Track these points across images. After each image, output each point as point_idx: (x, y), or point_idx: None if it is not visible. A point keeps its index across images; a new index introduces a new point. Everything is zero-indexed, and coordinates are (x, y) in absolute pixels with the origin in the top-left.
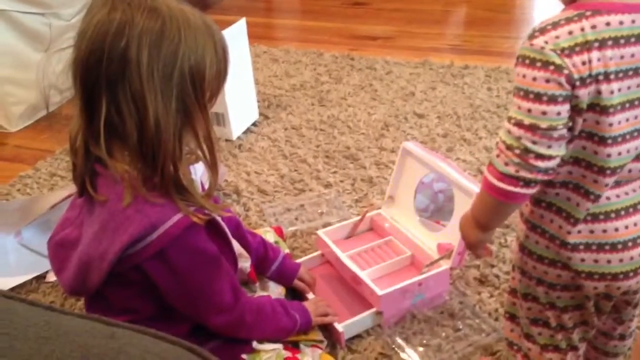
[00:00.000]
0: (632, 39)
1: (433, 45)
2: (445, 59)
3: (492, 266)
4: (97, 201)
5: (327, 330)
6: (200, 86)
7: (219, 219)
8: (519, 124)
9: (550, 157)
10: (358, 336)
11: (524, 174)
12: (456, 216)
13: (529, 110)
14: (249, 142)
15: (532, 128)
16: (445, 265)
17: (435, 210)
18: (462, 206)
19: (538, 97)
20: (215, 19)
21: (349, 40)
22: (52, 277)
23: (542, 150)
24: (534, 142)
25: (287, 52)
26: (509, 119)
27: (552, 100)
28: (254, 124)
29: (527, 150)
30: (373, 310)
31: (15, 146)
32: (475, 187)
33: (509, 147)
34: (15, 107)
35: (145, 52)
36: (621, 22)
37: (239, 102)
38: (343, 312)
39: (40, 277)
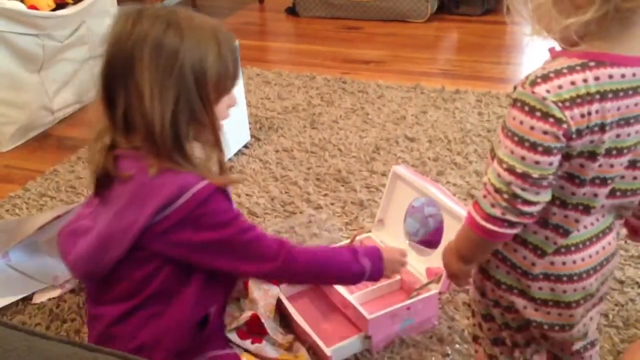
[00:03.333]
0: (630, 92)
1: (425, 69)
2: (437, 84)
3: None
4: (122, 179)
5: (316, 354)
6: (203, 83)
7: (229, 189)
8: (510, 170)
9: (537, 203)
10: None
11: (509, 217)
12: (445, 241)
13: (523, 158)
14: (240, 164)
15: (524, 176)
16: (434, 289)
17: (425, 234)
18: (451, 231)
19: (533, 147)
20: None
21: (342, 64)
22: (38, 299)
23: (530, 197)
24: (524, 189)
25: (280, 74)
26: (500, 162)
27: (547, 151)
28: (245, 146)
29: (515, 196)
30: (362, 334)
31: (5, 166)
32: (464, 212)
33: (498, 191)
34: (6, 127)
35: (148, 51)
36: (623, 75)
37: (230, 124)
38: (331, 335)
39: (27, 299)
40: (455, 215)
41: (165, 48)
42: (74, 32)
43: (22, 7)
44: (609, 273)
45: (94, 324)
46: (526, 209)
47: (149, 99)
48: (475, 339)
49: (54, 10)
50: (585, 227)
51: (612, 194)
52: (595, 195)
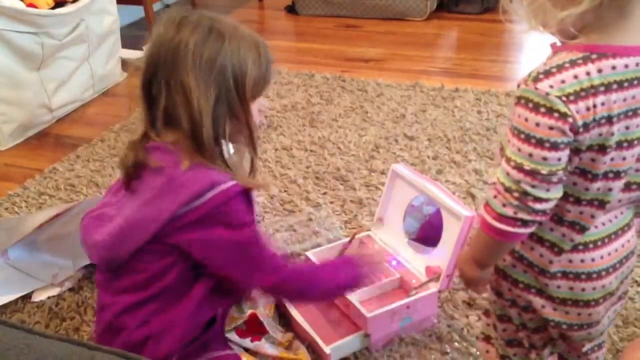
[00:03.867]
0: (635, 82)
1: (424, 68)
2: (436, 82)
3: None
4: (153, 171)
5: (315, 352)
6: (241, 84)
7: (254, 193)
8: (519, 168)
9: (548, 200)
10: (345, 359)
11: (522, 215)
12: (444, 239)
13: (530, 155)
14: None
15: (533, 173)
16: (433, 288)
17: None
18: (450, 229)
19: (540, 143)
20: None
21: (341, 62)
22: (37, 297)
23: (541, 194)
24: (533, 187)
25: (279, 73)
26: (508, 160)
27: (554, 147)
28: None
29: (525, 194)
30: (361, 332)
31: (4, 164)
32: (463, 210)
33: (508, 190)
34: (5, 125)
35: (191, 51)
36: (626, 66)
37: None
38: (331, 334)
39: (26, 297)
40: (455, 213)
41: (207, 50)
42: (73, 30)
43: (21, 5)
44: (628, 271)
45: (103, 314)
46: (538, 206)
47: (193, 96)
48: (487, 338)
49: (52, 8)
50: (603, 224)
51: (627, 187)
52: (610, 189)
